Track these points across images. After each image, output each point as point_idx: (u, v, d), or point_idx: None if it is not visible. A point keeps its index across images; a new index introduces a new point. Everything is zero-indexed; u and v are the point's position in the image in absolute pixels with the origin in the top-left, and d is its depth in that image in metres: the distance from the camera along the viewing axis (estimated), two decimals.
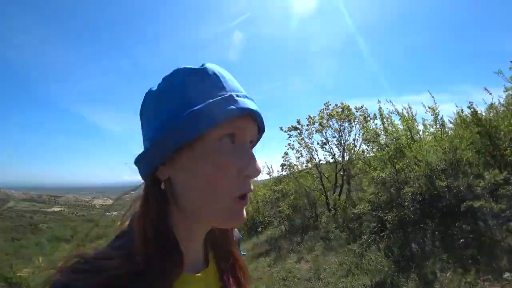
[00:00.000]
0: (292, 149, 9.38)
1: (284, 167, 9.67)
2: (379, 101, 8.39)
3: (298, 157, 9.34)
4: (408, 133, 7.34)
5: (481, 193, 4.45)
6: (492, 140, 5.07)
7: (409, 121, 7.40)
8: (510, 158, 4.82)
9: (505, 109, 5.48)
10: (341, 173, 8.81)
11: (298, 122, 9.30)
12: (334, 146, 9.04)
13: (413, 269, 4.05)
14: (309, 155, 9.21)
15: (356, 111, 9.06)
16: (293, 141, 9.34)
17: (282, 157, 9.62)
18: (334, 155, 9.05)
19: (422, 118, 7.12)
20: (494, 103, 5.76)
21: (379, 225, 5.39)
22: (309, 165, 9.31)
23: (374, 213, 5.65)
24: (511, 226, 3.93)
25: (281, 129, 9.60)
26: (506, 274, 3.40)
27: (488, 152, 5.17)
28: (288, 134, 9.44)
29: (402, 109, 7.62)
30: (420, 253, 4.38)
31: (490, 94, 5.60)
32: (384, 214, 5.28)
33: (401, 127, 7.60)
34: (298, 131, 9.30)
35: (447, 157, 5.00)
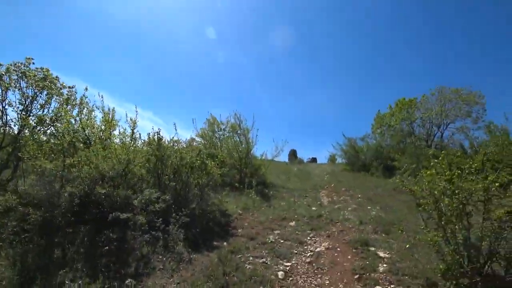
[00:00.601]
0: None
1: None
2: (87, 89, 7.74)
3: None
4: (102, 133, 7.19)
5: (137, 206, 4.97)
6: (162, 165, 6.04)
7: (108, 122, 7.31)
8: (169, 183, 5.89)
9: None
10: (8, 149, 6.68)
11: None
12: (15, 114, 6.80)
13: (39, 280, 3.52)
14: None
15: (63, 88, 7.65)
16: None
17: None
18: (6, 124, 6.75)
19: (124, 127, 7.26)
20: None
21: (22, 224, 4.39)
22: None
23: (22, 208, 4.57)
24: (145, 238, 4.56)
25: None
26: (128, 280, 3.76)
27: (157, 173, 6.05)
28: None
29: (109, 109, 7.48)
30: (61, 261, 3.97)
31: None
32: (34, 211, 4.40)
33: (99, 124, 7.35)
34: None
35: (120, 167, 5.28)
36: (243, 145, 11.23)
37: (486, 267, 3.27)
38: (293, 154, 25.07)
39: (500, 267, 3.32)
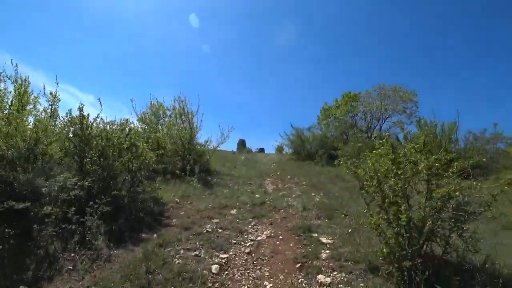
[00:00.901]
0: None
1: None
2: None
3: None
4: (10, 107, 5.98)
5: (46, 194, 4.10)
6: (86, 147, 5.16)
7: (21, 96, 6.10)
8: (91, 167, 5.03)
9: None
10: None
11: None
12: None
13: None
14: None
15: None
16: None
17: None
18: None
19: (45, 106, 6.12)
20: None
21: None
22: None
23: None
24: (51, 232, 3.75)
25: None
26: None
27: (79, 157, 5.13)
28: None
29: (21, 80, 6.24)
30: None
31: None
32: None
33: (10, 98, 6.10)
34: None
35: (25, 146, 4.35)
36: (186, 130, 10.47)
37: (425, 247, 3.24)
38: (242, 143, 24.81)
39: (438, 246, 3.31)
